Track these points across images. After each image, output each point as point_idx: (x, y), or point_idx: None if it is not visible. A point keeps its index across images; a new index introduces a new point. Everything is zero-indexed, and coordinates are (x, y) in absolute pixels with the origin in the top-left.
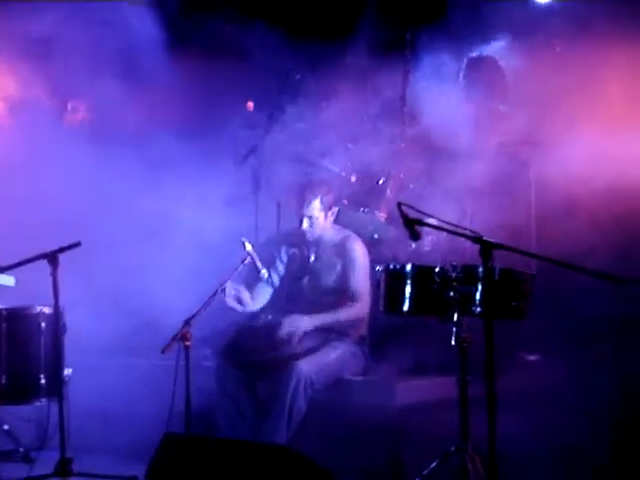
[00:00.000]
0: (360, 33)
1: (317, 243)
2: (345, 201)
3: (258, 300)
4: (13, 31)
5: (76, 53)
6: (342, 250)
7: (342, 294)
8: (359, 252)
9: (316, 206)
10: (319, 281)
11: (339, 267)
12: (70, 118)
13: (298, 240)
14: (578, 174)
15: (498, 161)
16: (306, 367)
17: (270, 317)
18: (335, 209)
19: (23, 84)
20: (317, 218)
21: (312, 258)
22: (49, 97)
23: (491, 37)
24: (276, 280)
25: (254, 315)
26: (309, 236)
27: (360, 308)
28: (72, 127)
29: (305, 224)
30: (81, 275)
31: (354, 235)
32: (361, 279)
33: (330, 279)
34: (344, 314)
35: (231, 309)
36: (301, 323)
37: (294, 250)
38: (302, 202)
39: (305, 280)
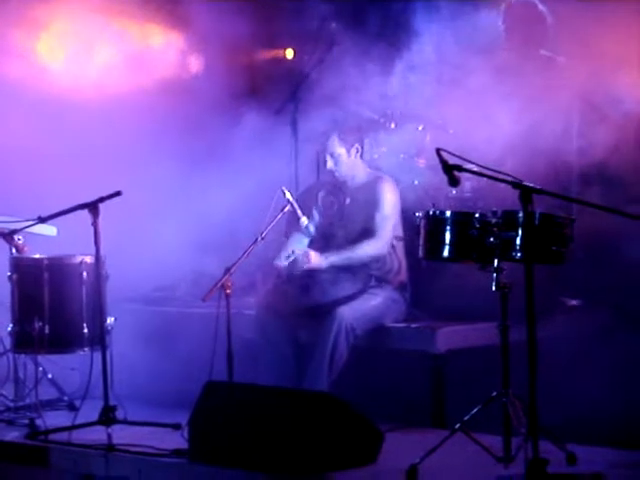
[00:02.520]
0: None
1: (350, 185)
2: (384, 148)
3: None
4: None
5: None
6: (371, 191)
7: (362, 234)
8: (386, 192)
9: (335, 142)
10: (352, 223)
11: (367, 208)
12: None
13: (334, 185)
14: (622, 120)
15: (540, 106)
16: (347, 313)
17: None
18: (358, 146)
19: None
20: (340, 155)
21: (347, 201)
22: None
23: None
24: (312, 229)
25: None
26: (337, 175)
27: (377, 244)
28: None
29: (329, 162)
30: (122, 224)
31: (385, 176)
32: (383, 217)
33: (365, 223)
34: (359, 250)
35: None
36: (314, 259)
37: (331, 196)
38: (323, 139)
39: (340, 223)
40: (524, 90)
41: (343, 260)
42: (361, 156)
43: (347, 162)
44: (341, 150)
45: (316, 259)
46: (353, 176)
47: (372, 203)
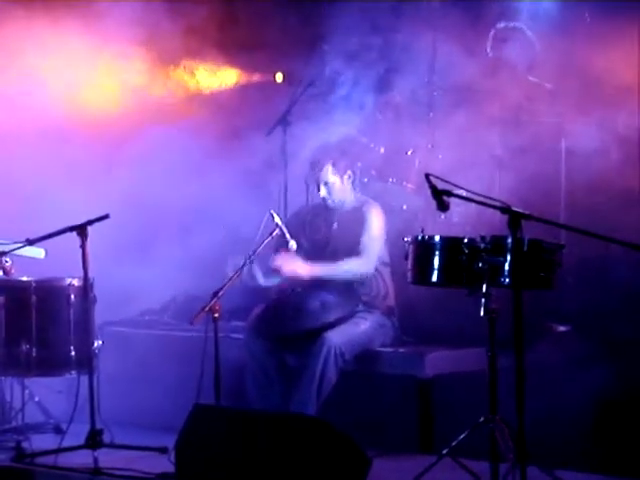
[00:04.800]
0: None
1: (339, 210)
2: (373, 172)
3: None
4: None
5: None
6: (359, 216)
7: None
8: (373, 216)
9: (329, 170)
10: (340, 248)
11: (354, 232)
12: None
13: (322, 209)
14: (608, 145)
15: (528, 132)
16: (336, 338)
17: (299, 289)
18: (350, 172)
19: None
20: (333, 183)
21: (335, 226)
22: None
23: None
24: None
25: (283, 287)
26: (330, 203)
27: (361, 262)
28: None
29: (323, 191)
30: (110, 247)
31: (372, 202)
32: (369, 238)
33: (351, 247)
34: (345, 266)
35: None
36: (298, 268)
37: (319, 220)
38: (316, 167)
39: (328, 247)
40: (512, 115)
41: (327, 272)
42: (353, 182)
43: (340, 189)
44: (335, 179)
45: (300, 267)
46: (343, 202)
47: (359, 226)
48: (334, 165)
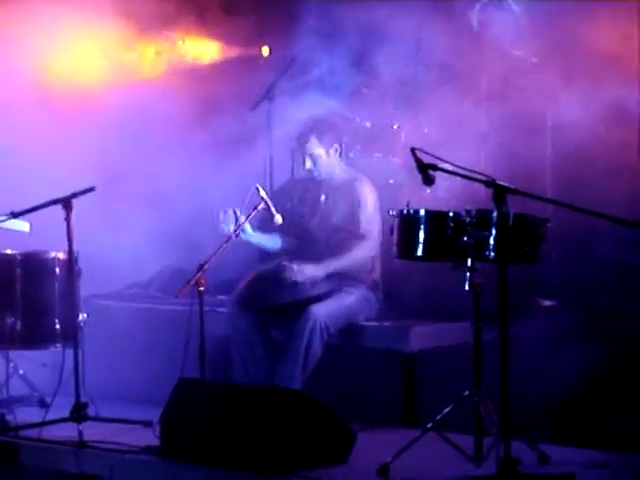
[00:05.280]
0: None
1: (327, 183)
2: (359, 146)
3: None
4: None
5: None
6: (350, 191)
7: (350, 234)
8: (367, 193)
9: (314, 143)
10: (328, 220)
11: (346, 207)
12: None
13: (309, 183)
14: (594, 121)
15: (513, 106)
16: (321, 311)
17: (284, 263)
18: (337, 146)
19: None
20: (319, 156)
21: (322, 198)
22: None
23: None
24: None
25: (268, 260)
26: (316, 175)
27: (368, 247)
28: None
29: (308, 163)
30: (96, 220)
31: (363, 177)
32: (369, 219)
33: (338, 218)
34: (353, 254)
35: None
36: (310, 272)
37: (305, 193)
38: (301, 140)
39: (315, 220)
40: (497, 90)
41: (338, 268)
42: (340, 155)
43: (326, 162)
44: (320, 151)
45: (310, 270)
46: (331, 175)
47: (354, 204)
48: (319, 138)
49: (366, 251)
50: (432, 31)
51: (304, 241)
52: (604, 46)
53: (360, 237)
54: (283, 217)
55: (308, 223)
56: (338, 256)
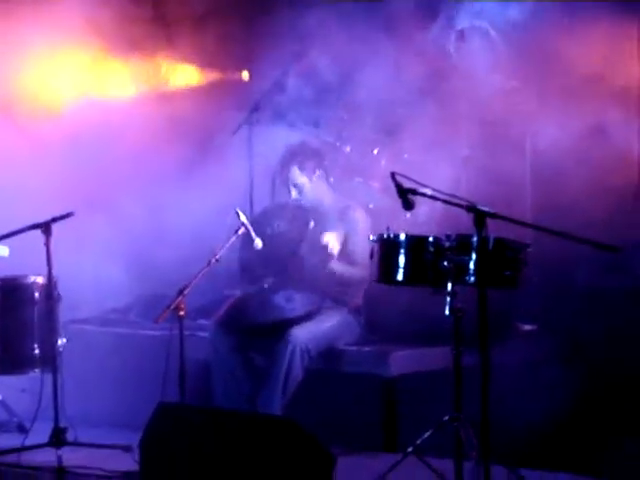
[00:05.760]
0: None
1: (315, 209)
2: (339, 171)
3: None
4: None
5: None
6: (344, 218)
7: (342, 259)
8: (361, 221)
9: (296, 172)
10: (317, 246)
11: (341, 235)
12: None
13: (294, 209)
14: (574, 144)
15: (493, 131)
16: (302, 334)
17: (266, 286)
18: (319, 172)
19: None
20: (303, 184)
21: (311, 224)
22: None
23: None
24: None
25: (250, 283)
26: (304, 203)
27: (361, 270)
28: None
29: (293, 193)
30: (74, 244)
31: (355, 204)
32: (362, 245)
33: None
34: (353, 270)
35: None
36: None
37: (291, 218)
38: (283, 172)
39: (304, 245)
40: (476, 115)
41: (347, 272)
42: (325, 179)
43: (311, 189)
44: (303, 179)
45: (332, 241)
46: (319, 200)
47: (348, 231)
48: (300, 166)
49: (360, 274)
50: (411, 56)
51: (292, 267)
52: (583, 67)
53: (351, 262)
54: (263, 242)
55: (297, 248)
56: (345, 263)
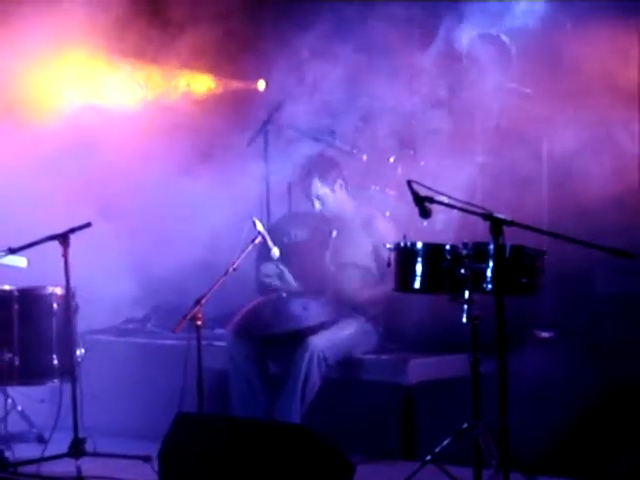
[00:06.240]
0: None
1: (338, 218)
2: (356, 179)
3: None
4: None
5: None
6: (370, 229)
7: (367, 271)
8: (387, 231)
9: (317, 184)
10: (342, 256)
11: (368, 245)
12: None
13: (316, 218)
14: (590, 150)
15: (509, 138)
16: (319, 342)
17: (284, 295)
18: (340, 181)
19: None
20: (325, 194)
21: (334, 234)
22: None
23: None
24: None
25: (267, 293)
26: (327, 214)
27: (387, 285)
28: None
29: (317, 204)
30: (94, 256)
31: (378, 213)
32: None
33: (355, 255)
34: (381, 289)
35: (269, 287)
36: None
37: (314, 228)
38: (304, 183)
39: (326, 255)
40: (492, 122)
41: (373, 293)
42: (346, 189)
43: (333, 199)
44: (325, 190)
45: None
46: (342, 211)
47: (377, 243)
48: (321, 178)
49: (387, 287)
50: (425, 64)
51: (313, 276)
52: (596, 71)
53: (380, 275)
54: (280, 251)
55: (320, 258)
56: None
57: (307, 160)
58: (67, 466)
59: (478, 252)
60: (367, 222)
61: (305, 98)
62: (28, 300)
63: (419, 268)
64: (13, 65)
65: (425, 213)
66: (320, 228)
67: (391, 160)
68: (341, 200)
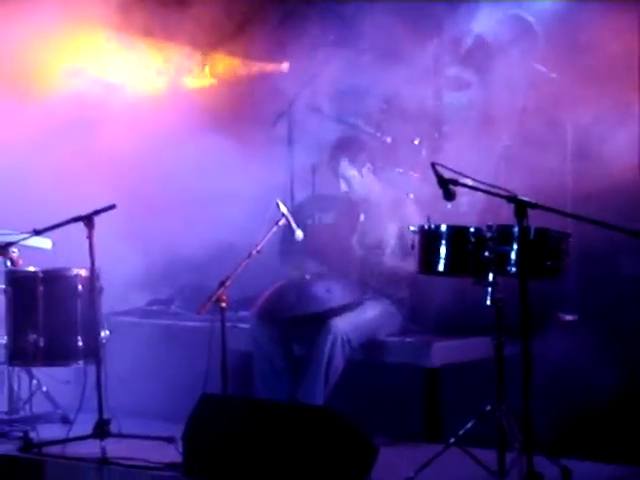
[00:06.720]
0: None
1: (365, 201)
2: (380, 162)
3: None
4: None
5: None
6: (397, 212)
7: (393, 254)
8: (415, 215)
9: (346, 165)
10: (369, 238)
11: (395, 229)
12: None
13: (342, 201)
14: (614, 133)
15: (534, 121)
16: (342, 324)
17: (308, 277)
18: (369, 165)
19: None
20: (353, 177)
21: (362, 217)
22: None
23: None
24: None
25: (290, 261)
26: (353, 196)
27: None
28: None
29: (343, 186)
30: (119, 238)
31: (405, 196)
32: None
33: (382, 238)
34: (406, 264)
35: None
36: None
37: (342, 211)
38: (332, 164)
39: (354, 238)
40: (518, 104)
41: (396, 264)
42: (373, 172)
43: (360, 182)
44: (353, 172)
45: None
46: (368, 194)
47: (402, 223)
48: (350, 159)
49: (410, 267)
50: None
51: (341, 258)
52: (622, 55)
53: (406, 255)
54: (304, 233)
55: (346, 240)
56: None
57: (337, 140)
58: (92, 447)
59: (502, 235)
60: (396, 205)
61: (329, 80)
62: (53, 282)
63: (443, 250)
64: (24, 39)
65: (449, 195)
66: (348, 211)
67: (415, 142)
68: (368, 183)
